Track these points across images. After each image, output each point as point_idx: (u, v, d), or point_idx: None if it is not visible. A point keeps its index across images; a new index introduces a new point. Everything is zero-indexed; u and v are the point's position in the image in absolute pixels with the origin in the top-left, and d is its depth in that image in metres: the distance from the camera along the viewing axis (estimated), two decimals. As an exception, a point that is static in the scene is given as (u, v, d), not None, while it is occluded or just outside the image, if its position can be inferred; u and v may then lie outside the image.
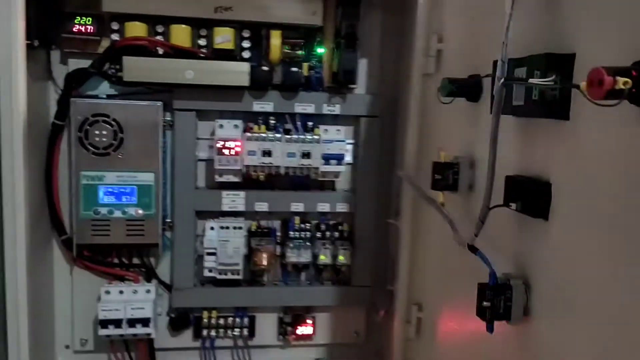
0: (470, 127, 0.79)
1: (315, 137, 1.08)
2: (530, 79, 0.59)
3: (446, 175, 0.80)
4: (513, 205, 0.64)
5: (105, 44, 1.04)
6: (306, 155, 1.07)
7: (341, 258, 1.11)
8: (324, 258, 1.11)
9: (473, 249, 0.68)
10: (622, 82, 0.44)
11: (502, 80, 0.59)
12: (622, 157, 0.49)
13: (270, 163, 1.06)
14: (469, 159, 0.79)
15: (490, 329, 0.63)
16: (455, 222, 0.75)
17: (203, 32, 1.04)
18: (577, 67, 0.55)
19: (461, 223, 0.74)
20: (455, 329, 0.86)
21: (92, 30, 1.01)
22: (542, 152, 0.62)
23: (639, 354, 0.47)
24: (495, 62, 0.65)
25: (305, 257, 1.11)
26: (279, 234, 1.14)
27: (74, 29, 1.01)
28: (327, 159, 1.09)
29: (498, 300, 0.62)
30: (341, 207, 1.14)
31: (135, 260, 1.12)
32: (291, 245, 1.12)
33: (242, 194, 1.11)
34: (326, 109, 1.11)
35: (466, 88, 0.78)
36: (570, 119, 0.56)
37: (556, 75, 0.56)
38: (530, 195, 0.62)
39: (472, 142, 0.79)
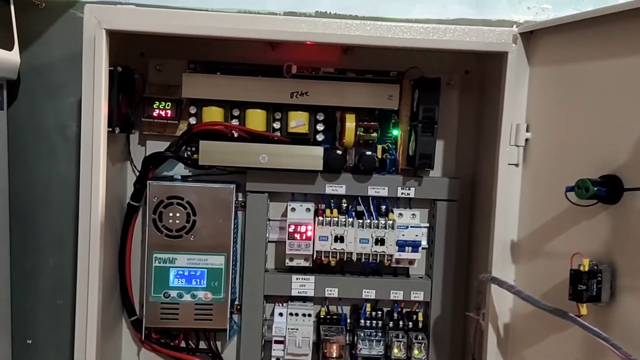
0: (610, 231, 0.73)
1: (390, 222, 1.03)
2: None
3: (590, 285, 0.72)
4: None
5: (182, 127, 1.06)
6: (380, 241, 1.02)
7: (416, 353, 1.04)
8: (397, 352, 1.04)
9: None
10: None
11: None
12: None
13: (342, 249, 1.02)
14: (610, 267, 0.73)
15: None
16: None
17: (278, 115, 1.04)
18: None
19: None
20: None
21: (170, 115, 1.03)
22: None
23: None
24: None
25: (377, 350, 1.05)
26: (348, 320, 1.09)
27: (154, 114, 1.03)
28: (402, 245, 1.04)
29: None
30: (416, 296, 1.08)
31: (202, 344, 1.10)
32: (362, 335, 1.06)
33: (312, 278, 1.07)
34: (400, 192, 1.06)
35: (607, 192, 0.72)
36: None
37: None
38: None
39: (611, 248, 0.73)
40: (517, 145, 0.88)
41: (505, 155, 0.88)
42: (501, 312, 0.90)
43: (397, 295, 1.07)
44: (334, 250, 1.02)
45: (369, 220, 1.03)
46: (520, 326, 0.88)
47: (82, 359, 0.92)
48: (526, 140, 0.88)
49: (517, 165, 0.89)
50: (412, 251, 1.04)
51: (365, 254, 1.03)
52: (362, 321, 1.07)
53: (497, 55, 0.90)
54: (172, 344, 1.09)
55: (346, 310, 1.10)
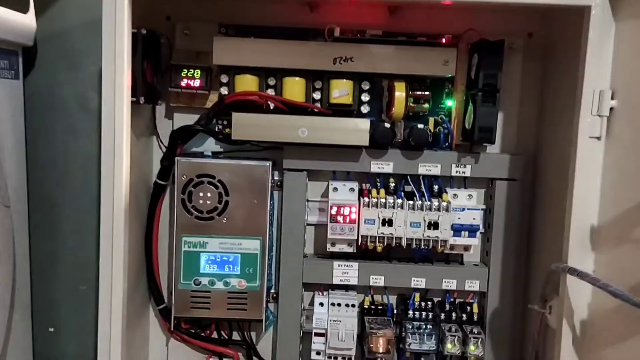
0: None
1: (444, 203, 0.92)
2: None
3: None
4: None
5: (213, 97, 0.96)
6: (433, 225, 0.92)
7: (472, 348, 0.93)
8: (451, 347, 0.94)
9: None
10: None
11: None
12: None
13: (391, 234, 0.92)
14: None
15: None
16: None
17: (318, 84, 0.93)
18: None
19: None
20: None
21: (200, 84, 0.93)
22: None
23: None
24: None
25: (428, 345, 0.94)
26: (395, 311, 0.99)
27: (182, 83, 0.93)
28: (457, 230, 0.93)
29: None
30: (470, 285, 0.97)
31: (235, 335, 1.01)
32: (411, 328, 0.96)
33: (355, 265, 0.97)
34: (455, 170, 0.95)
35: None
36: None
37: None
38: None
39: None
40: (600, 115, 0.76)
41: (586, 126, 0.76)
42: (577, 307, 0.78)
43: (450, 284, 0.97)
44: (382, 235, 0.92)
45: (420, 202, 0.92)
46: (599, 323, 0.77)
47: (106, 349, 0.84)
48: (611, 109, 0.76)
49: (599, 138, 0.77)
50: (468, 236, 0.93)
51: (416, 239, 0.92)
52: (411, 312, 0.97)
53: (574, 12, 0.78)
54: (202, 334, 1.00)
55: (392, 300, 1.01)
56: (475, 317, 0.97)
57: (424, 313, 0.97)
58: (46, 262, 1.04)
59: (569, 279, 0.77)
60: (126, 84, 0.79)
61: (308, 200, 0.98)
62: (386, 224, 0.92)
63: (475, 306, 0.98)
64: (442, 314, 0.97)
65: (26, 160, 1.00)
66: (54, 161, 1.02)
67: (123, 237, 0.82)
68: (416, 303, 0.98)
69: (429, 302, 0.98)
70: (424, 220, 0.92)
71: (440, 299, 1.00)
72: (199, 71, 0.93)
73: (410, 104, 0.93)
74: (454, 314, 0.97)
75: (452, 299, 0.98)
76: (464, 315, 0.97)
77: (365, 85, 0.93)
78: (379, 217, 0.92)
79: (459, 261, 0.99)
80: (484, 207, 0.97)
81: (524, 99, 0.98)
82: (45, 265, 1.04)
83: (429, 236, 0.92)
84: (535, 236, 0.97)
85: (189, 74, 0.93)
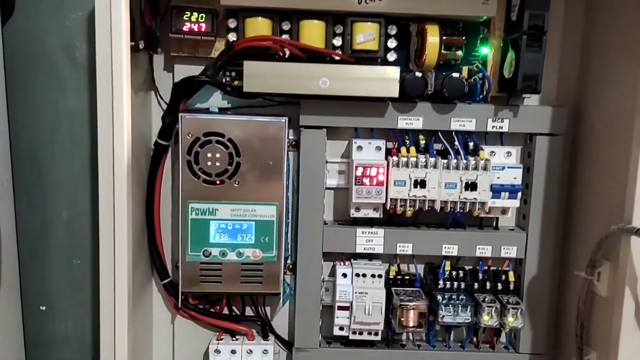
0: None
1: (482, 161, 0.83)
2: None
3: None
4: None
5: (219, 46, 0.84)
6: (471, 186, 0.82)
7: (511, 320, 0.85)
8: (488, 319, 0.86)
9: None
10: None
11: None
12: None
13: (424, 196, 0.83)
14: None
15: None
16: None
17: (339, 28, 0.82)
18: None
19: None
20: None
21: (204, 29, 0.82)
22: None
23: None
24: None
25: (463, 317, 0.86)
26: (423, 281, 0.91)
27: (184, 28, 0.81)
28: (498, 190, 0.84)
29: None
30: (506, 252, 0.89)
31: (248, 310, 0.92)
32: (443, 299, 0.87)
33: (381, 232, 0.88)
34: (491, 125, 0.86)
35: None
36: None
37: None
38: None
39: None
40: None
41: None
42: (640, 273, 0.70)
43: (484, 251, 0.88)
44: (413, 198, 0.83)
45: (455, 161, 0.83)
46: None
47: (110, 329, 0.76)
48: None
49: (669, 82, 0.68)
50: (509, 197, 0.85)
51: (451, 202, 0.83)
52: (441, 282, 0.89)
53: None
54: (212, 310, 0.91)
55: (420, 269, 0.92)
56: (511, 286, 0.89)
57: (455, 283, 0.89)
58: (35, 234, 0.93)
59: (633, 241, 0.69)
60: (125, 27, 0.68)
61: (327, 162, 0.88)
62: (418, 186, 0.82)
63: (511, 274, 0.90)
64: (476, 284, 0.89)
65: (8, 119, 0.88)
66: (39, 121, 0.90)
67: (126, 205, 0.73)
68: (446, 272, 0.89)
69: (460, 271, 0.90)
70: (461, 181, 0.82)
71: (471, 267, 0.91)
72: (203, 14, 0.81)
73: (443, 51, 0.83)
74: (488, 283, 0.89)
75: (485, 267, 0.90)
76: (499, 285, 0.89)
77: (392, 30, 0.83)
78: (410, 178, 0.82)
79: (494, 226, 0.91)
80: (520, 165, 0.88)
81: (565, 43, 0.88)
82: (34, 237, 0.93)
83: (465, 198, 0.83)
84: (577, 197, 0.88)
85: (192, 18, 0.81)
